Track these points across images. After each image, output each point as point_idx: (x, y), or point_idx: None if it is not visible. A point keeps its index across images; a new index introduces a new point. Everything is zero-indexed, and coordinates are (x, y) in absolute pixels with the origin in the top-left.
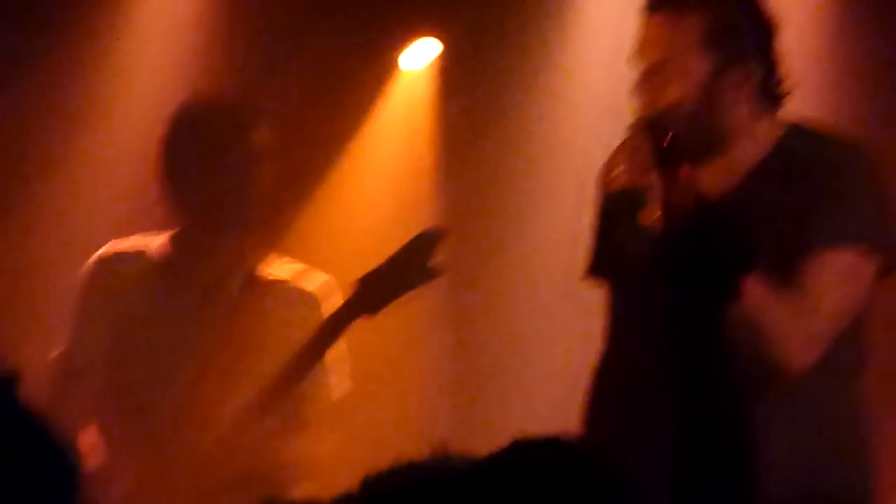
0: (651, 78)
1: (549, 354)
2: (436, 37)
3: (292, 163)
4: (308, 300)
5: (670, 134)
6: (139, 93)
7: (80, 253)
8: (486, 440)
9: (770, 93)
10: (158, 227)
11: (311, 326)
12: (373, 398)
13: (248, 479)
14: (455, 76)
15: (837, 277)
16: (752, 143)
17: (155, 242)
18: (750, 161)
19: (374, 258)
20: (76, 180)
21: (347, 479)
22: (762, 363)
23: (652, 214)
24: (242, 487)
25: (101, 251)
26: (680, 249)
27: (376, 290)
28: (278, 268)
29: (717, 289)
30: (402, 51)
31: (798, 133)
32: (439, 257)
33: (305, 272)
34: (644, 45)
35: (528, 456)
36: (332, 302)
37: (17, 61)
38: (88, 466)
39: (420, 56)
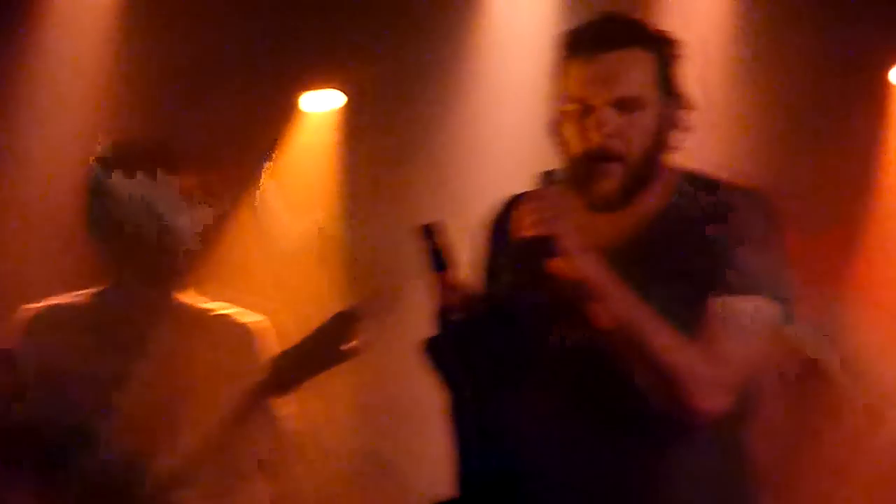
0: (609, 115)
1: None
2: (339, 88)
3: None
4: (242, 332)
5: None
6: (52, 142)
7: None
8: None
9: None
10: (84, 282)
11: (246, 359)
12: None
13: None
14: (358, 122)
15: (742, 326)
16: (659, 190)
17: (78, 300)
18: (655, 208)
19: (280, 295)
20: None
21: None
22: (676, 409)
23: (560, 263)
24: None
25: (25, 310)
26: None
27: (290, 371)
28: (210, 307)
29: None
30: (303, 95)
31: (694, 180)
32: (356, 337)
33: (239, 312)
34: (596, 83)
35: None
36: (267, 340)
37: None
38: None
39: (324, 102)
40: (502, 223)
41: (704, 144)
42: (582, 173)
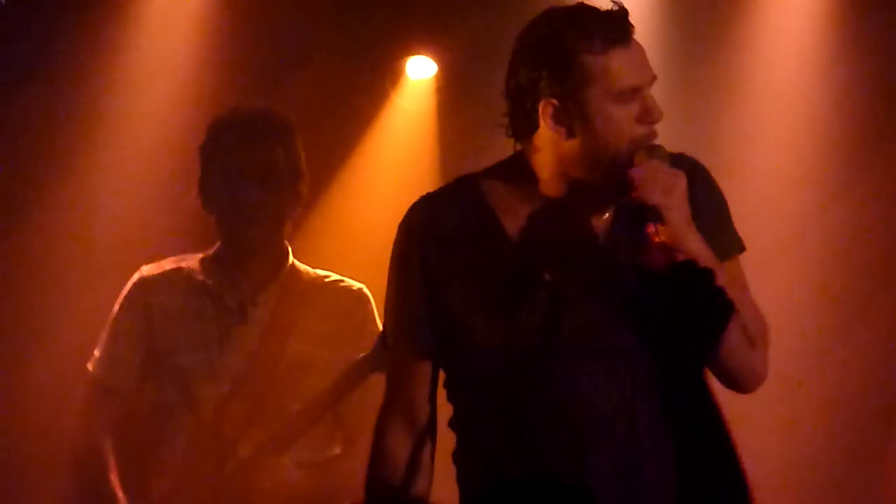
0: (652, 99)
1: None
2: (432, 56)
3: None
4: (355, 298)
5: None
6: (147, 107)
7: (102, 260)
8: None
9: None
10: (187, 247)
11: (359, 325)
12: None
13: None
14: (455, 91)
15: (746, 285)
16: None
17: (190, 265)
18: None
19: (374, 268)
20: (90, 186)
21: None
22: (747, 376)
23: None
24: None
25: (139, 273)
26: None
27: None
28: (321, 273)
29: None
30: (405, 62)
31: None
32: None
33: (347, 279)
34: (644, 67)
35: None
36: (374, 307)
37: (26, 73)
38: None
39: (426, 69)
40: (429, 226)
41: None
42: (621, 165)
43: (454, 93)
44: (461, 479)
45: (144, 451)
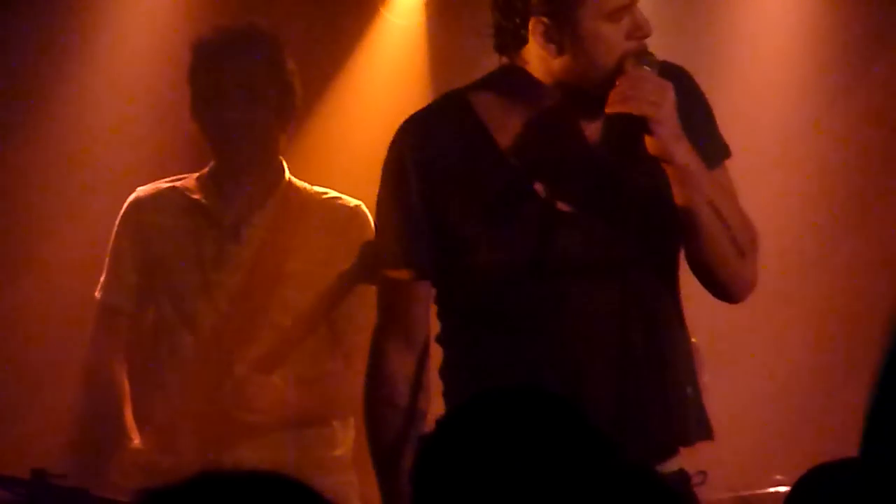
0: (641, 23)
1: None
2: None
3: None
4: (353, 214)
5: None
6: (141, 24)
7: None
8: None
9: None
10: (181, 169)
11: (356, 238)
12: None
13: (268, 425)
14: (446, 6)
15: (730, 194)
16: None
17: (185, 184)
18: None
19: (367, 185)
20: (79, 117)
21: None
22: (735, 280)
23: (654, 144)
24: (261, 434)
25: (135, 194)
26: None
27: None
28: (318, 190)
29: None
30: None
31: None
32: None
33: (343, 196)
34: None
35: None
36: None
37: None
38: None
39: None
40: (421, 146)
41: None
42: (611, 80)
43: (445, 7)
44: (449, 395)
45: (149, 370)
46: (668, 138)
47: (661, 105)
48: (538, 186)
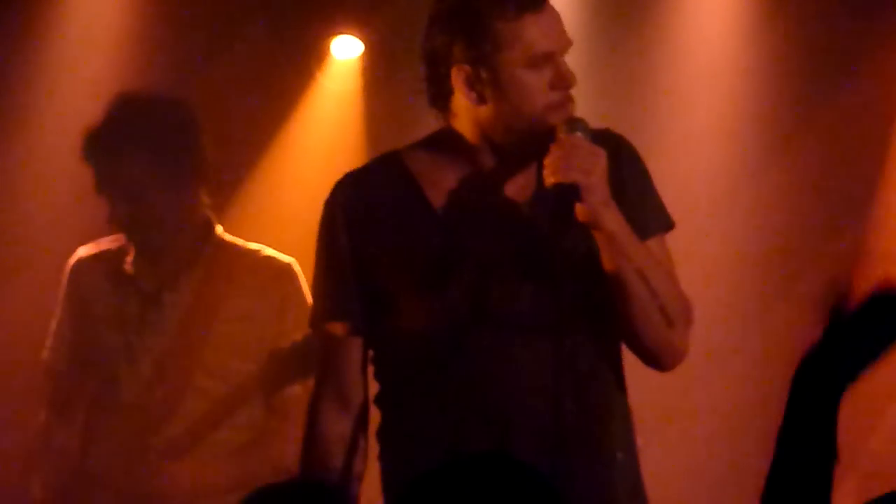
0: (565, 65)
1: None
2: (358, 35)
3: (228, 149)
4: (284, 270)
5: None
6: (71, 86)
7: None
8: None
9: None
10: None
11: (286, 296)
12: None
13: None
14: (380, 70)
15: (670, 262)
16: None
17: (121, 245)
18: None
19: (302, 246)
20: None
21: None
22: (664, 348)
23: (583, 211)
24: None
25: (76, 255)
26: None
27: None
28: (249, 246)
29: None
30: (330, 41)
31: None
32: None
33: (274, 252)
34: (557, 33)
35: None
36: (302, 279)
37: None
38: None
39: (352, 48)
40: (354, 203)
41: None
42: (536, 133)
43: (380, 73)
44: (384, 457)
45: (83, 429)
46: (596, 205)
47: (592, 172)
48: (469, 244)
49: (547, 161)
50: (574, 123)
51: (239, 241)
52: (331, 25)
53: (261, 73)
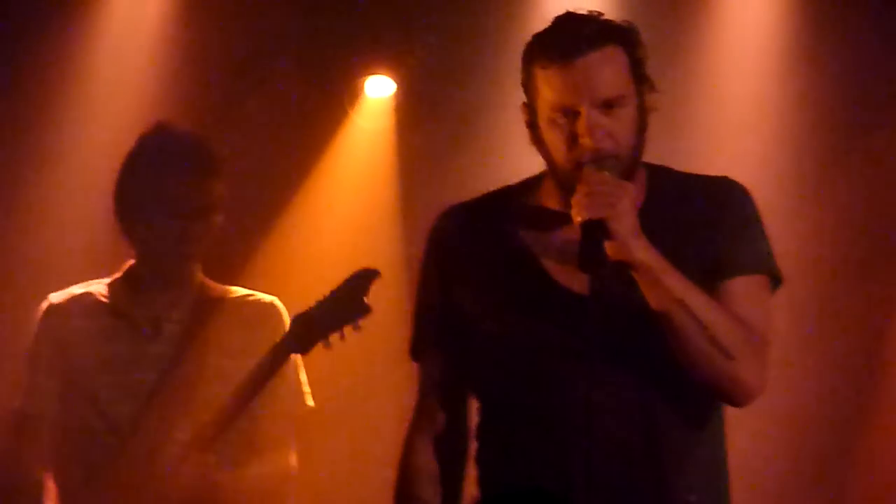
0: (597, 118)
1: None
2: (390, 75)
3: (255, 193)
4: (266, 310)
5: None
6: (96, 130)
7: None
8: None
9: None
10: (101, 271)
11: (270, 333)
12: (334, 420)
13: None
14: (413, 109)
15: (755, 302)
16: (638, 184)
17: (98, 289)
18: (636, 202)
19: (339, 276)
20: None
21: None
22: (725, 385)
23: (613, 247)
24: None
25: (48, 301)
26: None
27: (310, 328)
28: (231, 289)
29: None
30: (363, 81)
31: (661, 172)
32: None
33: (258, 293)
34: (580, 89)
35: None
36: (286, 318)
37: None
38: None
39: (384, 87)
40: (451, 236)
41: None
42: (571, 180)
43: (412, 111)
44: (482, 482)
45: (73, 475)
46: (624, 235)
47: (616, 205)
48: (559, 278)
49: (573, 200)
50: (603, 162)
51: (218, 285)
52: (364, 65)
53: (296, 111)
